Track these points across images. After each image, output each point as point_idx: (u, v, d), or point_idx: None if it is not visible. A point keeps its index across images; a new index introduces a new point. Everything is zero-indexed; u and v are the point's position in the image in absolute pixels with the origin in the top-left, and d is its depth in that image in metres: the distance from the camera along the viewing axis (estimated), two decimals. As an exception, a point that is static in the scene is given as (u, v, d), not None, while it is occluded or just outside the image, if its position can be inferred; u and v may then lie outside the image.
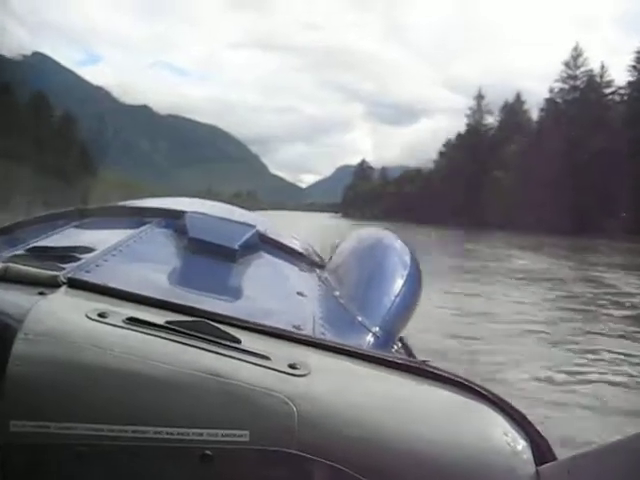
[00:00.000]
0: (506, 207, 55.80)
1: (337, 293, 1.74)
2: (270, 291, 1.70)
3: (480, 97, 77.55)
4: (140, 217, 1.98)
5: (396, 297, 1.67)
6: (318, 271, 1.99)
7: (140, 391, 0.87)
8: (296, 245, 2.12)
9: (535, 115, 69.17)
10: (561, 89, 63.26)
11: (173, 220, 1.92)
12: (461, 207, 63.77)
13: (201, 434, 0.86)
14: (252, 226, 1.96)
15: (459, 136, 77.88)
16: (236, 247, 1.79)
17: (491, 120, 74.99)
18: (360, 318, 1.55)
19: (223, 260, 1.75)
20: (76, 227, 1.90)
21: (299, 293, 1.68)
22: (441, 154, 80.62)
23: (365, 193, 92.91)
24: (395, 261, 1.86)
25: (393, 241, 1.99)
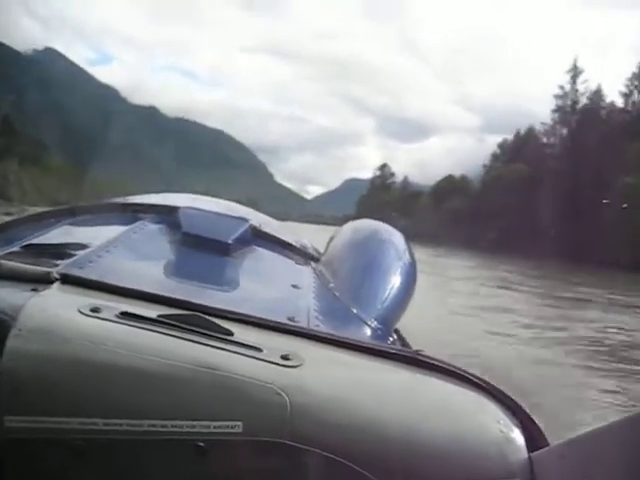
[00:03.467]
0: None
1: (332, 285, 1.74)
2: (264, 284, 1.70)
3: (576, 71, 54.45)
4: (134, 213, 1.97)
5: (391, 289, 1.70)
6: (313, 264, 1.97)
7: (133, 385, 0.88)
8: (290, 239, 2.09)
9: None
10: None
11: (166, 216, 1.91)
12: (543, 231, 38.92)
13: (194, 426, 0.87)
14: (245, 220, 1.94)
15: (540, 130, 56.18)
16: (230, 241, 1.78)
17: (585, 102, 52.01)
18: (355, 310, 1.58)
19: (217, 254, 1.75)
20: (70, 224, 1.90)
21: (294, 286, 1.67)
22: (495, 157, 62.58)
23: (386, 205, 70.09)
24: (390, 253, 1.89)
25: (388, 233, 2.01)
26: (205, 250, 1.75)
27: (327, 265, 1.95)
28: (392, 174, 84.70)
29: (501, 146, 62.86)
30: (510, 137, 62.81)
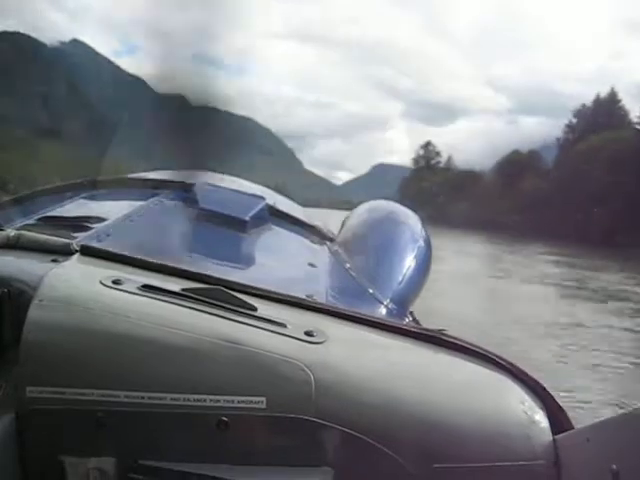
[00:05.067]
0: None
1: (348, 265, 1.78)
2: (281, 261, 1.74)
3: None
4: (150, 189, 2.01)
5: (407, 270, 1.74)
6: (328, 243, 2.03)
7: (156, 358, 0.90)
8: (305, 218, 2.14)
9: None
10: None
11: (183, 192, 1.96)
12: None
13: (218, 401, 0.89)
14: (262, 198, 1.99)
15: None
16: (247, 218, 1.83)
17: None
18: (372, 290, 1.61)
19: (234, 231, 1.78)
20: (87, 198, 1.94)
21: (310, 264, 1.72)
22: (571, 128, 50.94)
23: (435, 188, 57.24)
24: (406, 234, 1.92)
25: (404, 214, 2.06)
26: (222, 226, 1.76)
27: (342, 245, 1.98)
28: (437, 153, 71.59)
29: (578, 114, 52.33)
30: (588, 103, 51.72)
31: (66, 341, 0.88)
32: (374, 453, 0.89)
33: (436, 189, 57.35)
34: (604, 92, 49.68)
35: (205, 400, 0.87)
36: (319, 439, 0.90)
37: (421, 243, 1.88)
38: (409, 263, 1.77)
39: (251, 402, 0.88)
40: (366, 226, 2.06)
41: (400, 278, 1.71)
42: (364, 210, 2.20)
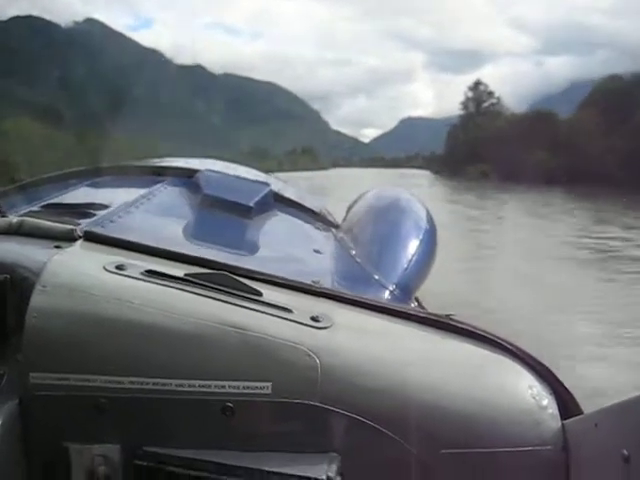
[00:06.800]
0: None
1: (353, 252, 1.74)
2: (287, 247, 1.70)
3: None
4: (154, 176, 1.95)
5: (412, 256, 1.69)
6: (334, 230, 1.98)
7: (161, 343, 0.89)
8: (310, 204, 2.08)
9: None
10: None
11: (187, 178, 1.90)
12: None
13: (223, 386, 0.88)
14: (266, 184, 1.94)
15: None
16: (251, 204, 1.76)
17: None
18: (377, 276, 1.57)
19: (238, 217, 1.72)
20: (90, 185, 1.89)
21: (316, 250, 1.68)
22: None
23: (494, 136, 43.50)
24: (411, 221, 1.87)
25: (409, 201, 1.99)
26: (226, 213, 1.70)
27: (348, 232, 1.93)
28: (490, 93, 57.21)
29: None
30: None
31: (69, 327, 0.87)
32: (381, 438, 0.88)
33: (495, 137, 43.70)
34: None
35: (210, 386, 0.86)
36: (325, 424, 0.88)
37: (426, 230, 1.82)
38: (414, 250, 1.71)
39: (256, 387, 0.87)
40: (371, 213, 1.99)
41: (405, 264, 1.65)
42: (369, 197, 2.14)
